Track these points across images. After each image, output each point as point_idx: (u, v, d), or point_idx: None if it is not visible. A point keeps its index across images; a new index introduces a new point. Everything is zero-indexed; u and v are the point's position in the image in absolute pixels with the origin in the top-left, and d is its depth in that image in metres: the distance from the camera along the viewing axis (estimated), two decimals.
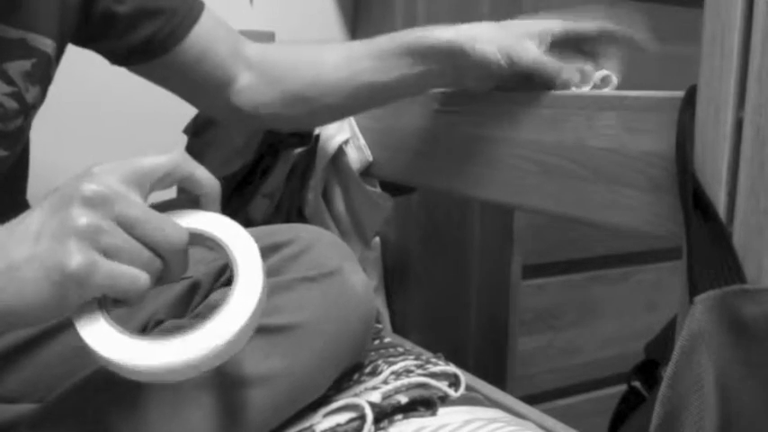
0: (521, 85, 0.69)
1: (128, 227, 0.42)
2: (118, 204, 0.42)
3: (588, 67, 0.70)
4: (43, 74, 0.64)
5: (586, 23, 0.71)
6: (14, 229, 0.43)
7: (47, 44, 0.63)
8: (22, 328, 0.45)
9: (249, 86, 0.76)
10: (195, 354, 0.42)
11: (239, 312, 0.44)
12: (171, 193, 0.58)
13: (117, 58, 0.73)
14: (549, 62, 0.67)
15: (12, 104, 0.61)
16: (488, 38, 0.68)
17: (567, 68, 0.68)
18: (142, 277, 0.43)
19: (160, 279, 0.45)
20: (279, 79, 0.75)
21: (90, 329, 0.43)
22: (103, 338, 0.43)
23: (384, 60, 0.71)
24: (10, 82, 0.61)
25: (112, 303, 0.44)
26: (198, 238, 0.47)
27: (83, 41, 0.70)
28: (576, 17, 0.72)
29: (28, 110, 0.63)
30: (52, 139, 0.85)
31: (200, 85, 0.75)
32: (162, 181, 0.46)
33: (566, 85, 0.67)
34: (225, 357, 0.44)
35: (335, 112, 0.79)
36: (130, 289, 0.42)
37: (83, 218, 0.41)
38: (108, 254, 0.42)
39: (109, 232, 0.42)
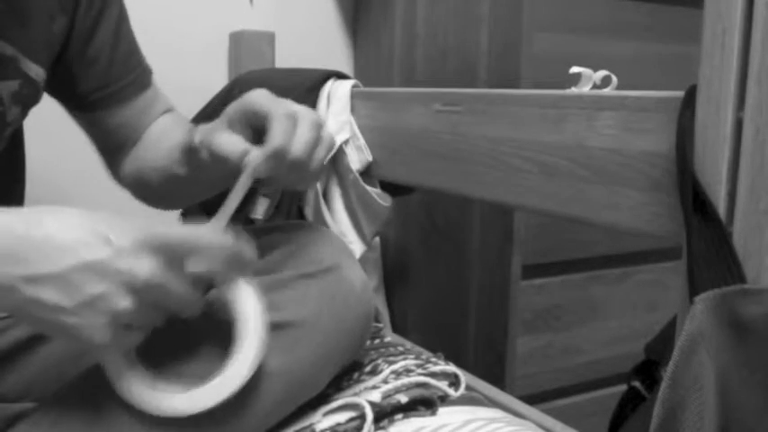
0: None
1: (157, 304, 0.46)
2: (158, 294, 0.45)
3: (588, 69, 0.70)
4: (28, 97, 0.65)
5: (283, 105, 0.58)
6: (47, 258, 0.44)
7: (38, 72, 0.65)
8: None
9: (126, 155, 0.77)
10: (208, 403, 0.50)
11: (243, 368, 0.50)
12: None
13: (67, 101, 0.75)
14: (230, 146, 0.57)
15: None
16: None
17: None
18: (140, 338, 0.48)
19: None
20: (135, 155, 0.76)
21: (119, 373, 0.50)
22: (127, 381, 0.50)
23: (188, 154, 0.67)
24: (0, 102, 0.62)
25: None
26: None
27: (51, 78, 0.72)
28: None
29: (4, 128, 0.64)
30: (53, 140, 0.85)
31: (111, 141, 0.77)
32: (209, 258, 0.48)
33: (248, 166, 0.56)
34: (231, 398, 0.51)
35: (168, 199, 0.78)
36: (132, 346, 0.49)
37: (123, 304, 0.44)
38: (131, 328, 0.46)
39: (140, 315, 0.45)
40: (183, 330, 0.53)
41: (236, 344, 0.51)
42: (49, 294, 0.43)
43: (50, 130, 0.80)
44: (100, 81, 0.73)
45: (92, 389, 0.53)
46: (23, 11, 0.62)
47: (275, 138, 0.53)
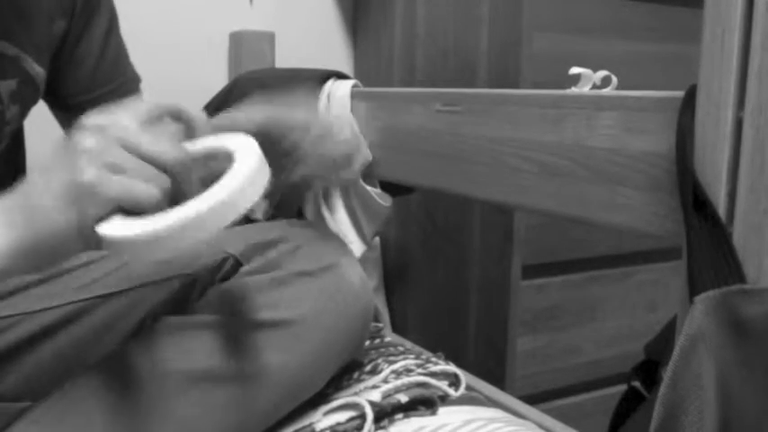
0: None
1: (129, 148, 0.46)
2: (115, 129, 0.46)
3: (587, 70, 0.70)
4: (27, 96, 0.66)
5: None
6: (27, 179, 0.47)
7: (38, 72, 0.65)
8: (49, 265, 0.49)
9: None
10: (177, 221, 0.44)
11: (227, 186, 0.45)
12: None
13: (54, 103, 0.76)
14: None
15: None
16: None
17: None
18: (151, 188, 0.46)
19: (173, 199, 0.48)
20: None
21: (107, 225, 0.45)
22: (113, 226, 0.45)
23: None
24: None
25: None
26: (200, 161, 0.50)
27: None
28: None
29: (3, 127, 0.65)
30: (53, 137, 0.85)
31: None
32: (154, 115, 0.50)
33: None
34: (207, 231, 0.44)
35: None
36: (143, 198, 0.45)
37: (87, 140, 0.46)
38: (115, 170, 0.45)
39: (113, 151, 0.45)
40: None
41: (232, 165, 0.48)
42: (33, 183, 0.46)
43: (50, 129, 0.80)
44: (85, 85, 0.75)
45: (92, 388, 0.53)
46: (26, 12, 0.63)
47: None
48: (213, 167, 0.50)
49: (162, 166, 0.47)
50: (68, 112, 0.76)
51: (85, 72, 0.74)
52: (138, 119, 0.48)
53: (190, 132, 0.53)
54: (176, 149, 0.48)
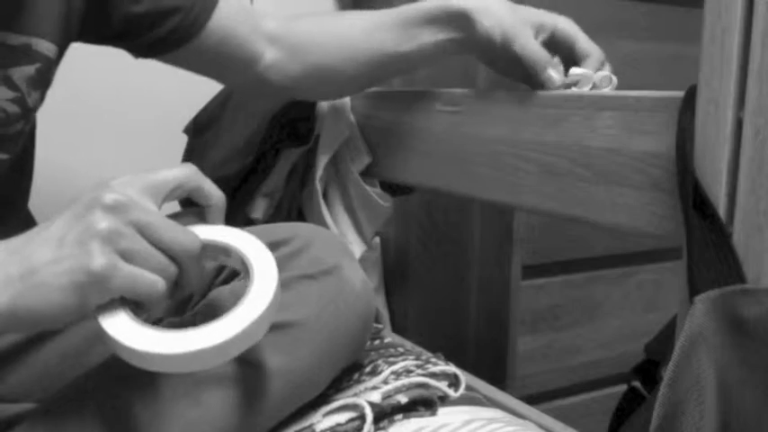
0: (508, 70, 0.70)
1: (144, 233, 0.45)
2: (135, 211, 0.45)
3: (587, 70, 0.70)
4: (45, 78, 0.64)
5: (590, 43, 0.72)
6: (33, 237, 0.45)
7: (50, 49, 0.64)
8: (40, 330, 0.48)
9: (275, 62, 0.77)
10: (211, 342, 0.44)
11: (254, 307, 0.46)
12: (175, 206, 0.59)
13: (139, 52, 0.74)
14: (539, 53, 0.67)
15: (14, 109, 0.62)
16: (494, 14, 0.69)
17: (555, 65, 0.68)
18: (159, 281, 0.45)
19: (177, 288, 0.48)
20: (303, 52, 0.77)
21: (112, 322, 0.45)
22: (126, 330, 0.45)
23: (407, 29, 0.73)
24: (14, 87, 0.62)
25: (131, 307, 0.46)
26: (210, 249, 0.50)
27: (102, 40, 0.72)
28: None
29: (29, 114, 0.64)
30: (56, 140, 0.85)
31: (225, 66, 0.77)
32: (174, 192, 0.49)
33: (547, 83, 0.68)
34: (237, 351, 0.46)
35: (361, 82, 0.81)
36: (148, 291, 0.45)
37: (103, 222, 0.44)
38: (126, 257, 0.44)
39: (128, 237, 0.44)
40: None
41: (249, 282, 0.48)
42: (37, 255, 0.44)
43: (53, 126, 0.80)
44: (158, 18, 0.71)
45: (93, 389, 0.53)
46: None
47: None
48: (221, 260, 0.52)
49: (174, 256, 0.46)
50: (171, 51, 0.73)
51: (149, 7, 0.70)
52: (158, 194, 0.48)
53: (206, 211, 0.52)
54: (190, 240, 0.47)
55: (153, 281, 0.45)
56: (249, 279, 0.48)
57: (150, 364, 0.45)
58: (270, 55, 0.77)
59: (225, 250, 0.51)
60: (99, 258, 0.43)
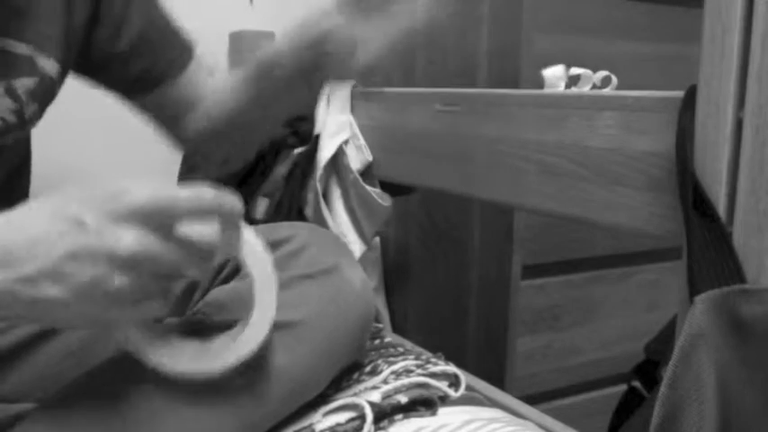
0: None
1: (155, 274, 0.44)
2: (149, 263, 0.43)
3: (587, 70, 0.70)
4: (45, 94, 0.65)
5: None
6: (43, 257, 0.42)
7: (53, 67, 0.65)
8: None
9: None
10: (231, 359, 0.50)
11: (260, 328, 0.51)
12: None
13: (111, 89, 0.76)
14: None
15: (12, 120, 0.63)
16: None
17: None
18: (161, 310, 0.46)
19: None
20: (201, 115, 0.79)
21: (135, 341, 0.49)
22: (144, 345, 0.49)
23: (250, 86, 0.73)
24: (15, 98, 0.62)
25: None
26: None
27: (81, 71, 0.73)
28: None
29: (25, 126, 0.64)
30: (57, 141, 0.85)
31: (171, 119, 0.79)
32: (188, 218, 0.46)
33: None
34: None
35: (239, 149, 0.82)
36: (149, 318, 0.48)
37: (117, 282, 0.42)
38: (140, 303, 0.44)
39: (137, 289, 0.43)
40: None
41: (255, 301, 0.51)
42: (45, 291, 0.42)
43: (53, 125, 0.80)
44: (145, 62, 0.73)
45: (93, 389, 0.53)
46: (35, 8, 0.62)
47: None
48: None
49: (180, 276, 0.46)
50: (132, 96, 0.75)
51: (134, 52, 0.72)
52: (172, 221, 0.44)
53: (225, 225, 0.50)
54: (198, 262, 0.46)
55: (159, 311, 0.46)
56: (255, 300, 0.51)
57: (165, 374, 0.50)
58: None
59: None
60: (110, 314, 0.44)
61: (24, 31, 0.62)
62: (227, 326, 0.53)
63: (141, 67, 0.73)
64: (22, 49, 0.61)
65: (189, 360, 0.50)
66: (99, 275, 0.42)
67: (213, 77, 0.82)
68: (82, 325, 0.46)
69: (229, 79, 0.78)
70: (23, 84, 0.62)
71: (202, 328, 0.55)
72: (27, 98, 0.63)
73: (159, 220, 0.43)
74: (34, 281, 0.42)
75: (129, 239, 0.42)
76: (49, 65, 0.64)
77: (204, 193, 0.45)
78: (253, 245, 0.51)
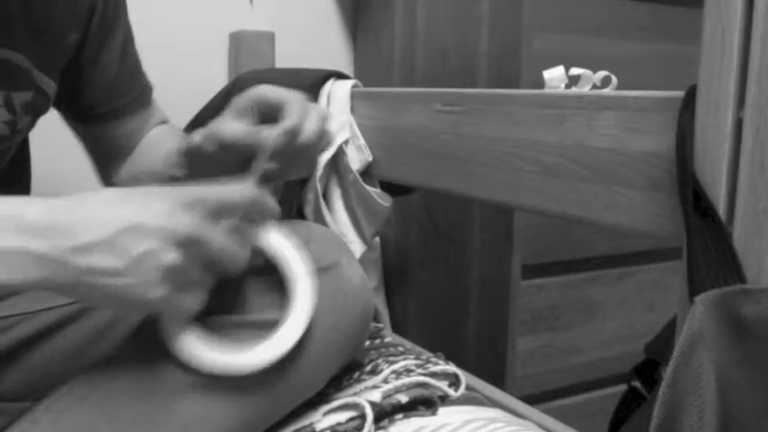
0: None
1: (203, 263, 0.47)
2: (201, 247, 0.47)
3: (587, 70, 0.70)
4: (38, 107, 0.67)
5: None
6: (99, 228, 0.45)
7: (49, 84, 0.66)
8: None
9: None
10: (266, 358, 0.52)
11: (297, 325, 0.53)
12: None
13: (59, 107, 0.77)
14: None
15: (5, 131, 0.64)
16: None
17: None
18: (200, 303, 0.49)
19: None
20: (132, 163, 0.80)
21: (178, 337, 0.51)
22: (192, 346, 0.51)
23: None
24: (12, 111, 0.64)
25: None
26: (255, 254, 0.54)
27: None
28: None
29: (15, 136, 0.65)
30: (58, 141, 0.85)
31: (112, 156, 0.80)
32: (234, 214, 0.50)
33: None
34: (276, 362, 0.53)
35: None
36: (188, 313, 0.49)
37: (171, 258, 0.45)
38: (181, 288, 0.47)
39: (188, 271, 0.46)
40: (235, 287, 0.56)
41: (287, 302, 0.54)
42: (99, 260, 0.44)
43: (54, 127, 0.80)
44: (104, 97, 0.76)
45: (93, 388, 0.53)
46: (39, 25, 0.64)
47: (291, 117, 0.57)
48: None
49: (223, 271, 0.49)
50: (87, 123, 0.78)
51: (105, 83, 0.75)
52: (221, 216, 0.48)
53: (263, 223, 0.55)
54: (243, 264, 0.50)
55: (195, 304, 0.48)
56: (291, 294, 0.54)
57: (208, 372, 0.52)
58: None
59: (272, 258, 0.55)
60: (156, 292, 0.45)
61: (30, 47, 0.63)
62: (260, 324, 0.55)
63: (102, 97, 0.75)
64: (24, 63, 0.63)
65: (224, 356, 0.51)
66: (153, 248, 0.45)
67: (162, 127, 0.84)
68: (127, 302, 0.45)
69: (172, 137, 0.79)
70: (20, 97, 0.64)
71: (236, 327, 0.55)
72: (21, 110, 0.64)
73: (213, 211, 0.48)
74: (89, 250, 0.44)
75: (186, 221, 0.46)
76: (46, 81, 0.66)
77: (251, 192, 0.51)
78: (290, 246, 0.54)
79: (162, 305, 0.46)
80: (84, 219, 0.45)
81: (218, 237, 0.48)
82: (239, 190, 0.51)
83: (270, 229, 0.55)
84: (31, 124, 0.68)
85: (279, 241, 0.55)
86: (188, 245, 0.46)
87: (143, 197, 0.47)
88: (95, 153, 0.81)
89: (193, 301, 0.48)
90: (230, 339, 0.53)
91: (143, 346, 0.56)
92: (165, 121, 0.85)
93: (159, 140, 0.79)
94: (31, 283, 0.43)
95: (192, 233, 0.46)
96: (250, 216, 0.52)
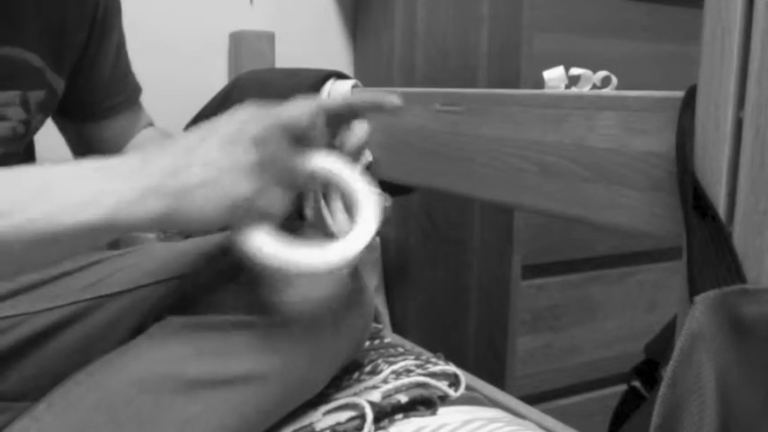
0: None
1: (276, 164, 0.52)
2: (273, 146, 0.51)
3: (587, 70, 0.70)
4: (49, 105, 0.68)
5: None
6: (180, 155, 0.50)
7: (59, 83, 0.68)
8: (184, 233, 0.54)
9: None
10: (341, 257, 0.53)
11: (366, 230, 0.56)
12: None
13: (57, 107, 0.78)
14: None
15: (21, 130, 0.65)
16: None
17: None
18: (286, 205, 0.53)
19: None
20: None
21: (252, 236, 0.52)
22: (265, 243, 0.52)
23: None
24: (27, 110, 0.65)
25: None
26: (318, 175, 0.59)
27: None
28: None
29: (29, 135, 0.67)
30: (60, 141, 0.86)
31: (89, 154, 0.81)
32: (294, 131, 0.54)
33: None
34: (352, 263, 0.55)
35: None
36: (278, 213, 0.53)
37: (251, 155, 0.50)
38: (264, 187, 0.51)
39: (267, 169, 0.51)
40: None
41: (354, 213, 0.58)
42: (190, 176, 0.49)
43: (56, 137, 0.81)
44: (99, 94, 0.77)
45: (93, 387, 0.53)
46: (53, 24, 0.66)
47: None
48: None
49: (293, 185, 0.54)
50: (77, 121, 0.79)
51: (101, 82, 0.77)
52: (284, 129, 0.53)
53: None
54: (307, 174, 0.55)
55: (282, 205, 0.53)
56: (357, 208, 0.58)
57: (284, 270, 0.53)
58: None
59: (331, 176, 0.59)
60: (244, 187, 0.49)
61: (45, 47, 0.65)
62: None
63: (96, 95, 0.77)
64: (38, 62, 0.64)
65: (305, 256, 0.52)
66: (234, 150, 0.50)
67: (151, 129, 0.85)
68: (222, 205, 0.49)
69: (161, 139, 0.81)
70: (35, 96, 0.65)
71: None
72: (35, 109, 0.66)
73: (279, 124, 0.53)
74: (180, 171, 0.49)
75: (257, 125, 0.51)
76: (56, 80, 0.67)
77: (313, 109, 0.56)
78: (345, 165, 0.59)
79: (254, 200, 0.50)
80: (168, 152, 0.50)
81: (285, 144, 0.53)
82: (303, 106, 0.55)
83: (322, 154, 0.58)
84: (42, 123, 0.69)
85: (334, 161, 0.59)
86: (261, 143, 0.50)
87: (212, 122, 0.52)
88: (83, 154, 0.82)
89: (277, 204, 0.52)
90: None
91: (142, 348, 0.56)
92: (151, 124, 0.86)
93: (149, 142, 0.81)
94: (152, 216, 0.47)
95: (263, 133, 0.51)
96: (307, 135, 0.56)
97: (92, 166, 0.49)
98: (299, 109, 0.55)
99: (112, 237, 0.50)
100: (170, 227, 0.50)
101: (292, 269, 0.52)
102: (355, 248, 0.54)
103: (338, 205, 0.97)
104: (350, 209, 0.58)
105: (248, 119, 0.52)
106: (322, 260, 0.52)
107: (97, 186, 0.47)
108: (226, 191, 0.49)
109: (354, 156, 0.63)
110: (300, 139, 0.54)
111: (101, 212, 0.46)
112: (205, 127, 0.53)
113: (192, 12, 1.21)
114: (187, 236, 0.93)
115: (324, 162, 0.59)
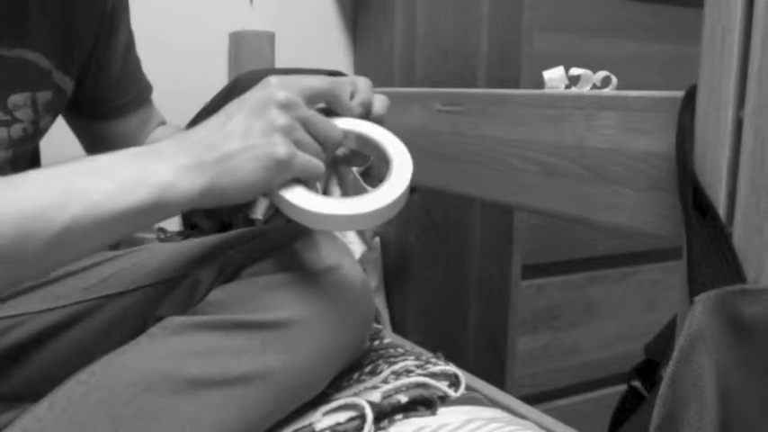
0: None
1: (306, 126, 0.55)
2: (301, 109, 0.55)
3: (587, 70, 0.70)
4: (58, 106, 0.69)
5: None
6: (215, 129, 0.53)
7: (67, 83, 0.68)
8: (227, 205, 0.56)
9: None
10: (373, 206, 0.55)
11: (399, 183, 0.58)
12: None
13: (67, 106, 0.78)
14: None
15: (30, 131, 0.66)
16: None
17: None
18: (320, 164, 0.56)
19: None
20: None
21: (293, 194, 0.55)
22: (305, 199, 0.55)
23: None
24: (36, 110, 0.66)
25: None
26: (349, 137, 0.63)
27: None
28: None
29: (37, 136, 0.68)
30: (61, 140, 0.86)
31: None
32: (317, 98, 0.59)
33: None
34: (387, 216, 0.57)
35: None
36: (314, 172, 0.55)
37: (281, 118, 0.53)
38: (298, 146, 0.54)
39: (298, 129, 0.54)
40: None
41: (392, 163, 0.61)
42: (227, 146, 0.51)
43: (62, 126, 0.81)
44: (109, 92, 0.77)
45: (95, 387, 0.53)
46: (59, 24, 0.66)
47: (361, 93, 0.64)
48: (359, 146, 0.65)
49: (325, 144, 0.56)
50: (88, 119, 0.79)
51: (112, 80, 0.77)
52: (307, 96, 0.56)
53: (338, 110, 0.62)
54: (337, 132, 0.58)
55: (317, 164, 0.55)
56: (390, 163, 0.60)
57: (325, 225, 0.56)
58: None
59: (362, 138, 0.63)
60: (282, 147, 0.52)
61: (53, 48, 0.65)
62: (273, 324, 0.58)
63: (106, 93, 0.77)
64: (45, 63, 0.65)
65: (351, 205, 0.55)
66: (264, 116, 0.53)
67: (165, 127, 0.86)
68: (263, 167, 0.52)
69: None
70: (42, 97, 0.66)
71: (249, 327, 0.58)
72: (43, 110, 0.66)
73: (312, 97, 0.57)
74: (216, 145, 0.51)
75: (282, 92, 0.54)
76: (65, 81, 0.68)
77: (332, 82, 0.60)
78: (373, 125, 0.63)
79: (291, 159, 0.53)
80: (201, 129, 0.53)
81: (309, 110, 0.55)
82: (320, 80, 0.59)
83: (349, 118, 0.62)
84: (50, 124, 0.69)
85: (362, 121, 0.63)
86: (288, 106, 0.53)
87: (235, 101, 0.55)
88: (94, 152, 0.82)
89: (314, 161, 0.55)
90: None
91: (143, 348, 0.56)
92: (163, 122, 0.86)
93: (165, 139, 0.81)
94: (197, 190, 0.50)
95: (289, 97, 0.54)
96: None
97: (129, 153, 0.51)
98: (320, 79, 0.58)
99: (160, 218, 0.51)
100: (216, 199, 0.51)
101: (340, 218, 0.54)
102: (394, 194, 0.56)
103: (336, 189, 0.97)
104: (380, 168, 0.61)
105: (273, 87, 0.54)
106: (367, 206, 0.55)
107: (138, 170, 0.49)
108: (266, 153, 0.52)
109: (378, 123, 0.65)
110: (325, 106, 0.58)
111: (146, 194, 0.48)
112: (229, 106, 0.55)
113: (192, 12, 1.21)
114: (187, 236, 0.93)
115: (353, 123, 0.62)
